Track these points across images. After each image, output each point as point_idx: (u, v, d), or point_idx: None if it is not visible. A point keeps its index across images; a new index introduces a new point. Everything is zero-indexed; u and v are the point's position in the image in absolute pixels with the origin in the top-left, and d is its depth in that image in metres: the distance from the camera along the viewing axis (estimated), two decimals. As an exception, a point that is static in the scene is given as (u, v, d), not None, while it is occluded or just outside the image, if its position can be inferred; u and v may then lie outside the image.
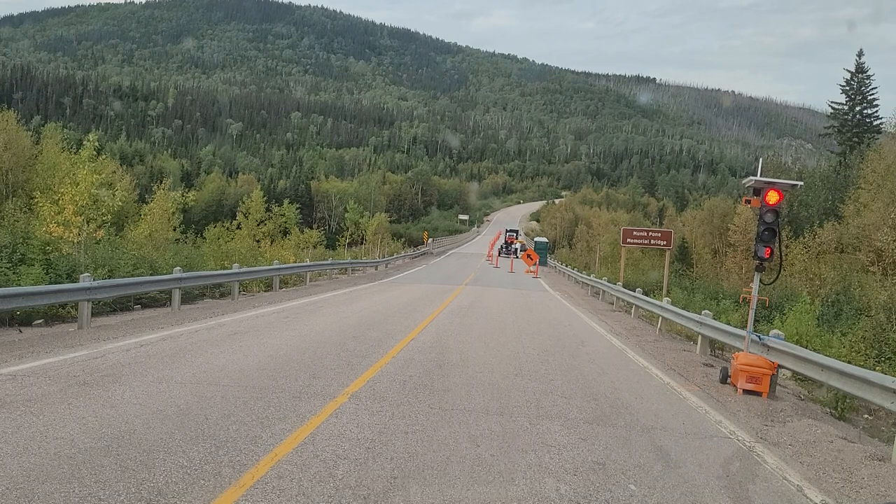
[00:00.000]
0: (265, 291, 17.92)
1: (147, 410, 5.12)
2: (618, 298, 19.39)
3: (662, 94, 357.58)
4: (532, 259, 35.92)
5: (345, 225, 45.67)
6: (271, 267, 17.88)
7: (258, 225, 24.77)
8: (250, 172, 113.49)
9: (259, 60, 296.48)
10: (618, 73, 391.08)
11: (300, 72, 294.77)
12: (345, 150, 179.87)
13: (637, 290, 16.96)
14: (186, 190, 21.44)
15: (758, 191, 8.39)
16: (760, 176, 8.44)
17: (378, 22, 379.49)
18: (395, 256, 39.18)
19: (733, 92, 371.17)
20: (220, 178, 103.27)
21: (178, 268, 12.36)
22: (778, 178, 8.96)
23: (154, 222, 17.96)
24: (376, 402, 5.91)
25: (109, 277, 11.86)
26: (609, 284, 21.05)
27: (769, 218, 8.25)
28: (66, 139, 32.43)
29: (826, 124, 51.02)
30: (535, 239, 63.23)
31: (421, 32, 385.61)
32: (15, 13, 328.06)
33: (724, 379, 8.53)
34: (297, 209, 27.84)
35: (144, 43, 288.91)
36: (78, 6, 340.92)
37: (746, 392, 7.90)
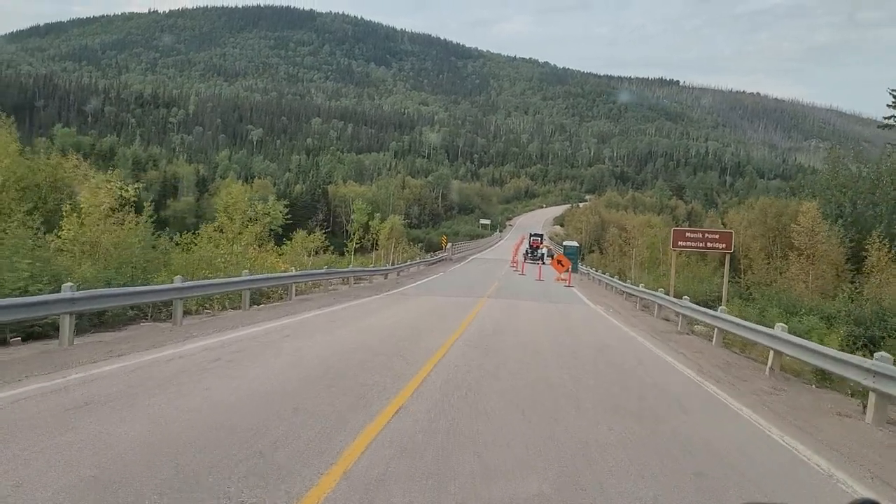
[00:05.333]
0: (233, 310, 14.05)
1: None
2: (682, 316, 15.02)
3: (686, 96, 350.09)
4: (563, 265, 31.60)
5: (350, 228, 41.48)
6: (239, 278, 13.92)
7: (244, 226, 20.49)
8: (266, 177, 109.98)
9: (281, 67, 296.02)
10: (640, 76, 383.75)
11: (321, 78, 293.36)
12: (365, 154, 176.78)
13: (719, 308, 12.67)
14: (131, 182, 17.13)
15: None
16: None
17: (399, 28, 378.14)
18: (408, 263, 35.07)
19: (757, 94, 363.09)
20: (235, 183, 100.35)
21: (70, 283, 8.47)
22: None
23: (89, 221, 14.09)
24: None
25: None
26: (670, 298, 16.72)
27: None
28: (75, 143, 28.81)
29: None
30: (564, 243, 58.23)
31: (441, 38, 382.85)
32: (41, 24, 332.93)
33: None
34: (284, 207, 23.28)
35: (167, 52, 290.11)
36: (103, 16, 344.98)
37: None
